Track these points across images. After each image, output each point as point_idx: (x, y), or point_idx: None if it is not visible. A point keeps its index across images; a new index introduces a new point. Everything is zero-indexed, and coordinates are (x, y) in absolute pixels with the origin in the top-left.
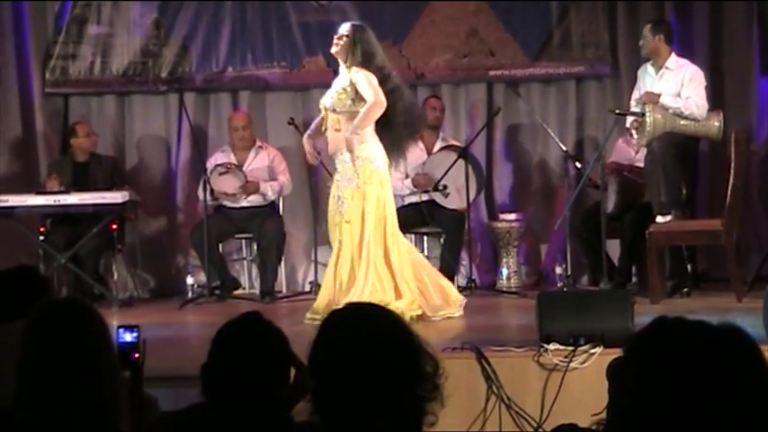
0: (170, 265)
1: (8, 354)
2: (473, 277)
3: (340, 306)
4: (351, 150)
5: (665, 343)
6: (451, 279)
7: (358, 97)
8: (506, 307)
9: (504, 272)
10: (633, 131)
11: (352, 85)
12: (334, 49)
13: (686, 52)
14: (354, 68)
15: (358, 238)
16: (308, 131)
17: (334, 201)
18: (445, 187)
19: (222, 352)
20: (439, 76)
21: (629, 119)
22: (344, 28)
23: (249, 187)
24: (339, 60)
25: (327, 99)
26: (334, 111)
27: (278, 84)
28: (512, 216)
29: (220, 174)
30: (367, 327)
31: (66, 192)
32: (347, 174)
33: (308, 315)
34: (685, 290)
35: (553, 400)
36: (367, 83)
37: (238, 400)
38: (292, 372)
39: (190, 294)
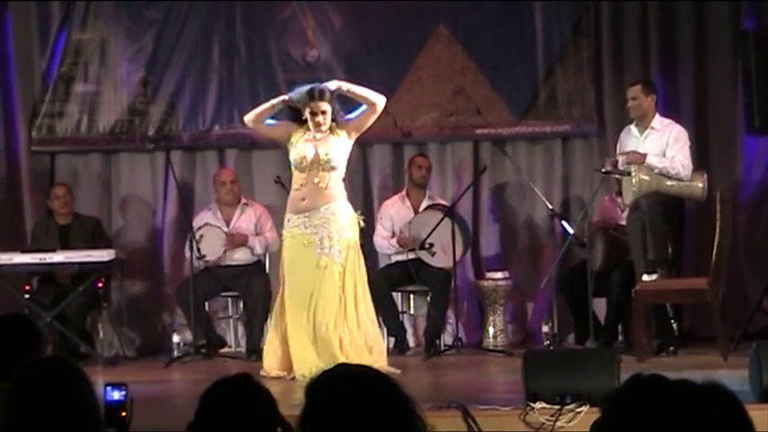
0: (156, 323)
1: None
2: (459, 335)
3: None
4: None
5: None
6: (438, 337)
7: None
8: (493, 365)
9: (491, 330)
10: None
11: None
12: (325, 128)
13: (671, 111)
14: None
15: (356, 287)
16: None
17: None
18: (431, 246)
19: (209, 412)
20: (425, 134)
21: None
22: (323, 103)
23: (236, 240)
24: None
25: (335, 156)
26: (332, 168)
27: (264, 142)
28: (498, 274)
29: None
30: (360, 390)
31: (53, 250)
32: (339, 223)
33: (299, 373)
34: (671, 348)
35: None
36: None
37: None
38: None
39: (176, 353)
